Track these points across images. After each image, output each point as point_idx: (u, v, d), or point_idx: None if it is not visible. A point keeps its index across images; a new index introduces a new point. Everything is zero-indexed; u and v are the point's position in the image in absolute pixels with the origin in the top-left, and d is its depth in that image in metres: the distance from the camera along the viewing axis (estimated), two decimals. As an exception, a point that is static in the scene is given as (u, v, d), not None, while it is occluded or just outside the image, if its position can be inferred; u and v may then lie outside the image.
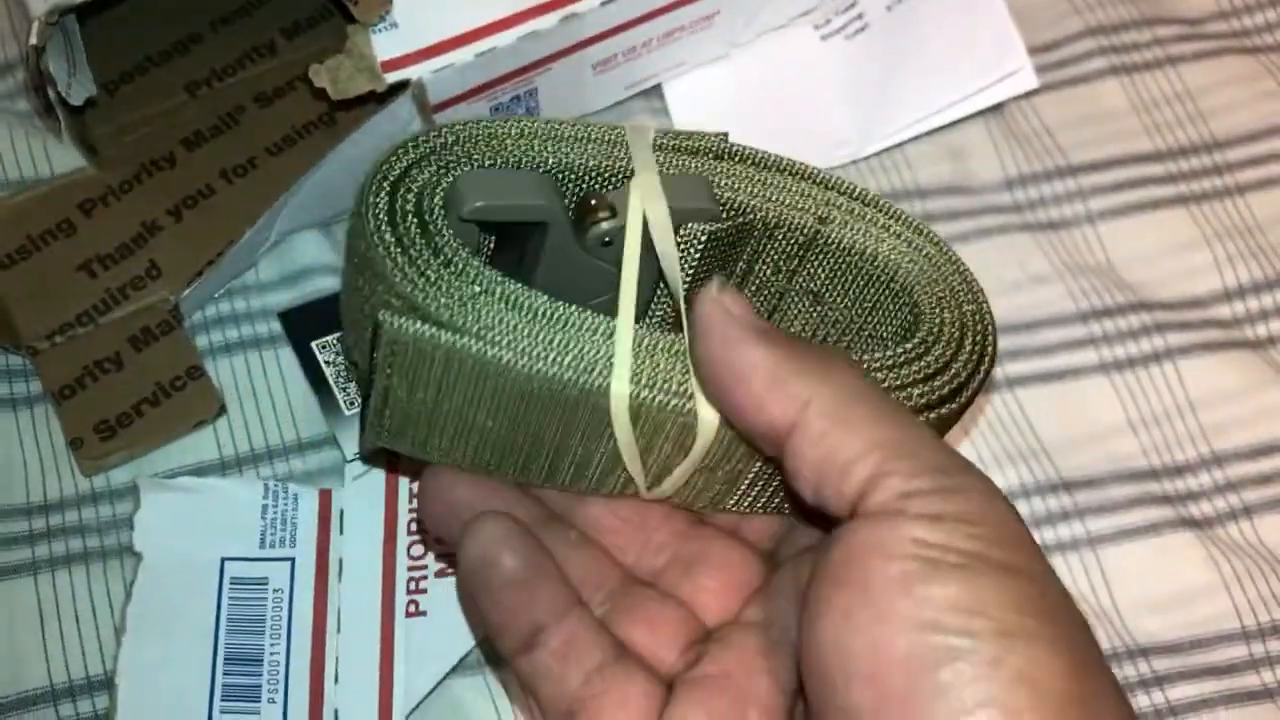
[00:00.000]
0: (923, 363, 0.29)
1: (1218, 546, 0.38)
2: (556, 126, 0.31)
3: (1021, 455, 0.39)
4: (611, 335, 0.28)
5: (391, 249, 0.27)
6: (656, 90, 0.44)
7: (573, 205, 0.30)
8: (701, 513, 0.31)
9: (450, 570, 0.37)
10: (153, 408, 0.38)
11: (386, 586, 0.36)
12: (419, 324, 0.27)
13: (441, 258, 0.28)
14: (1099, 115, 0.45)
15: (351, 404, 0.39)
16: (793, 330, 0.33)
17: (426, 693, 0.35)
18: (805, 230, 0.31)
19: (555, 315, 0.27)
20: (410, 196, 0.28)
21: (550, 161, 0.30)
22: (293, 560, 0.37)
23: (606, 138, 0.31)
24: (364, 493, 0.38)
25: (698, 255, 0.30)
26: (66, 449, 0.38)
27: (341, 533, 0.37)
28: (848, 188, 0.31)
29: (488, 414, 0.28)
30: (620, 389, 0.27)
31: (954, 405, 0.29)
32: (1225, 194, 0.44)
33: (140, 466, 0.38)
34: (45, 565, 0.37)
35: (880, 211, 0.31)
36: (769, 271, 0.32)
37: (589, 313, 0.28)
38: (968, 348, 0.30)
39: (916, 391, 0.29)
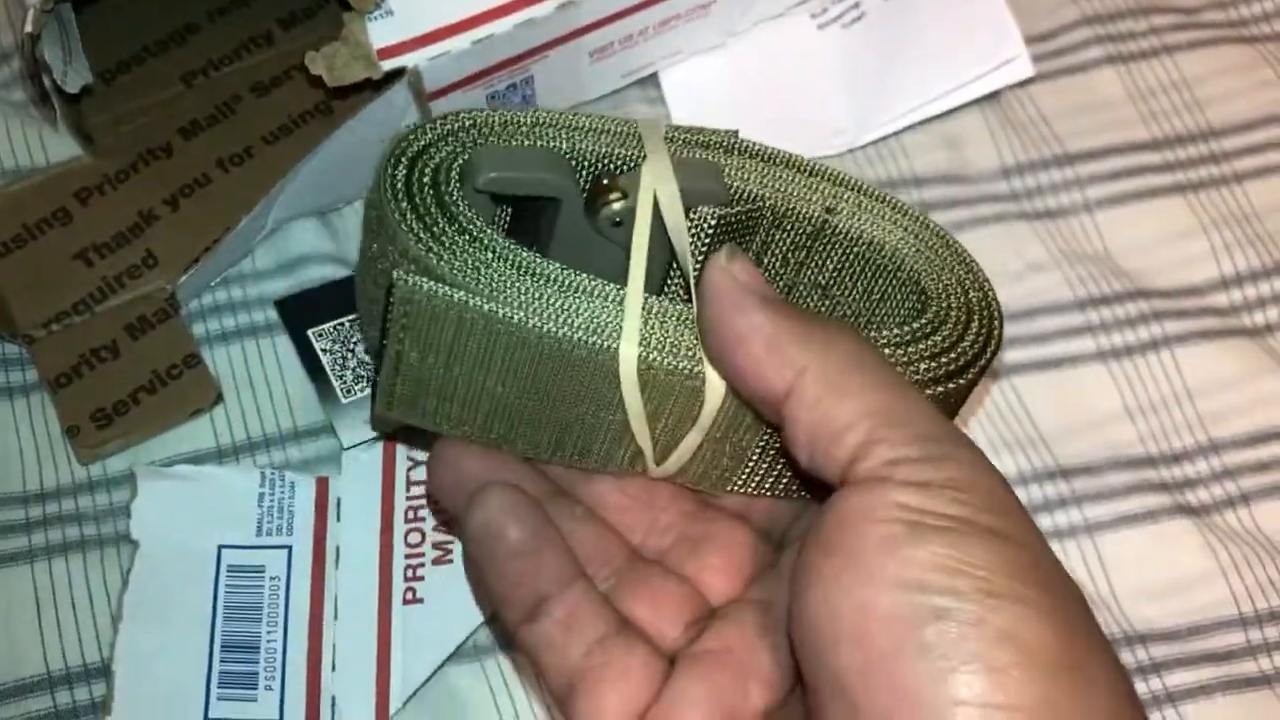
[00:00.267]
0: (931, 340, 0.29)
1: (1215, 534, 0.38)
2: (571, 117, 0.31)
3: (1019, 443, 0.39)
4: (622, 301, 0.28)
5: (408, 216, 0.28)
6: (653, 79, 0.44)
7: (585, 187, 0.31)
8: (709, 495, 0.31)
9: (447, 558, 0.37)
10: (149, 396, 0.38)
11: (384, 574, 0.36)
12: (432, 282, 0.27)
13: (456, 225, 0.28)
14: (1096, 104, 0.45)
15: (348, 392, 0.39)
16: None
17: (424, 680, 0.35)
18: (813, 220, 0.31)
19: (566, 280, 0.28)
20: (428, 170, 0.29)
21: (564, 148, 0.30)
22: (290, 548, 0.37)
23: (619, 130, 0.31)
24: (361, 480, 0.38)
25: (707, 239, 0.31)
26: (63, 437, 0.38)
27: (338, 520, 0.37)
28: (854, 182, 0.32)
29: (498, 378, 0.28)
30: (629, 351, 0.28)
31: (961, 381, 0.29)
32: (1222, 182, 0.44)
33: (137, 455, 0.38)
34: (42, 553, 0.37)
35: (885, 204, 0.32)
36: (777, 263, 0.32)
37: (600, 280, 0.28)
38: (974, 329, 0.30)
39: (924, 366, 0.29)
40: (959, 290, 0.31)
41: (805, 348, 0.26)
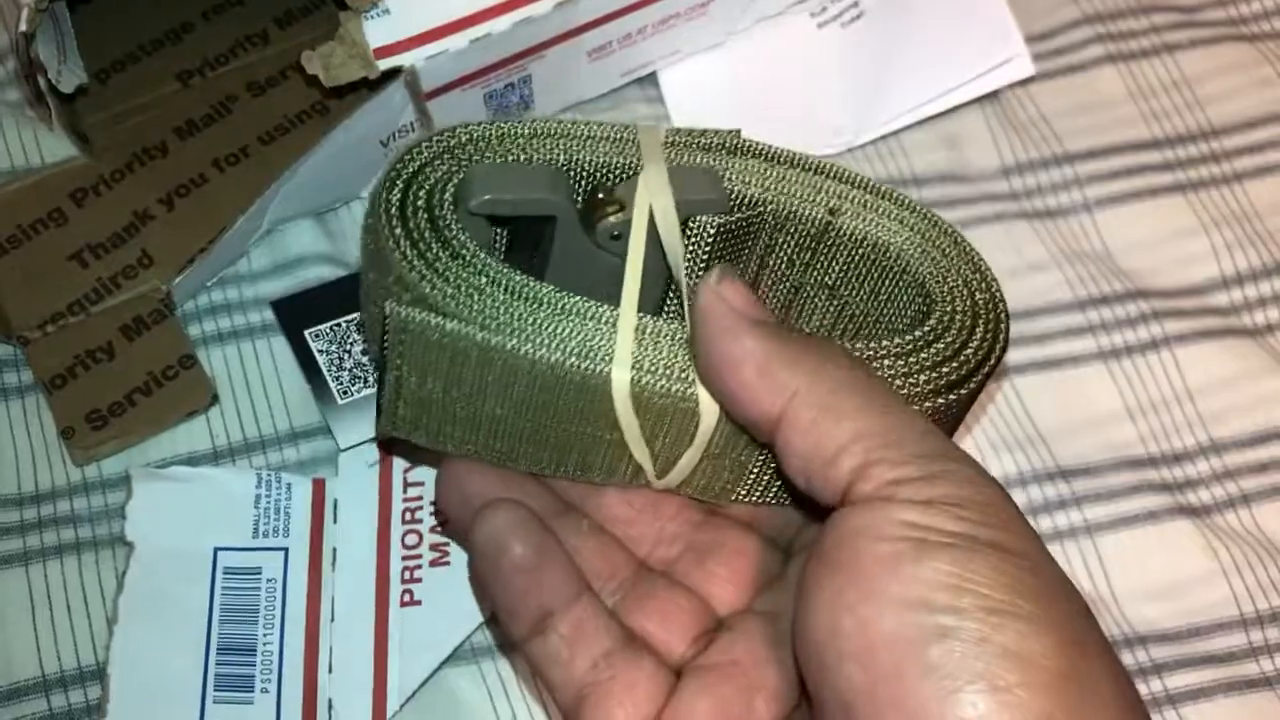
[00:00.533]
0: (933, 349, 0.29)
1: (1216, 534, 0.38)
2: (569, 125, 0.31)
3: (1019, 443, 0.39)
4: (615, 323, 0.28)
5: (401, 242, 0.28)
6: (652, 78, 0.44)
7: (582, 200, 0.31)
8: (715, 504, 0.31)
9: (444, 560, 0.36)
10: (145, 397, 0.38)
11: (381, 576, 0.36)
12: (424, 313, 0.27)
13: (450, 250, 0.28)
14: (1096, 103, 0.45)
15: (345, 393, 0.38)
16: (812, 323, 0.33)
17: (421, 682, 0.35)
18: (816, 222, 0.31)
19: (559, 303, 0.28)
20: (422, 192, 0.29)
21: (561, 159, 0.30)
22: (286, 550, 0.37)
23: (618, 136, 0.31)
24: (358, 482, 0.37)
25: (707, 248, 0.30)
26: (58, 439, 0.38)
27: (335, 522, 0.37)
28: (860, 180, 0.32)
29: (496, 402, 0.28)
30: (621, 375, 0.28)
31: (965, 390, 0.29)
32: (1223, 181, 0.43)
33: (132, 456, 0.38)
34: (37, 555, 0.37)
35: (892, 203, 0.32)
36: (783, 265, 0.32)
37: (594, 302, 0.28)
38: (979, 333, 0.30)
39: (923, 378, 0.29)
40: (965, 292, 0.31)
41: (796, 371, 0.26)
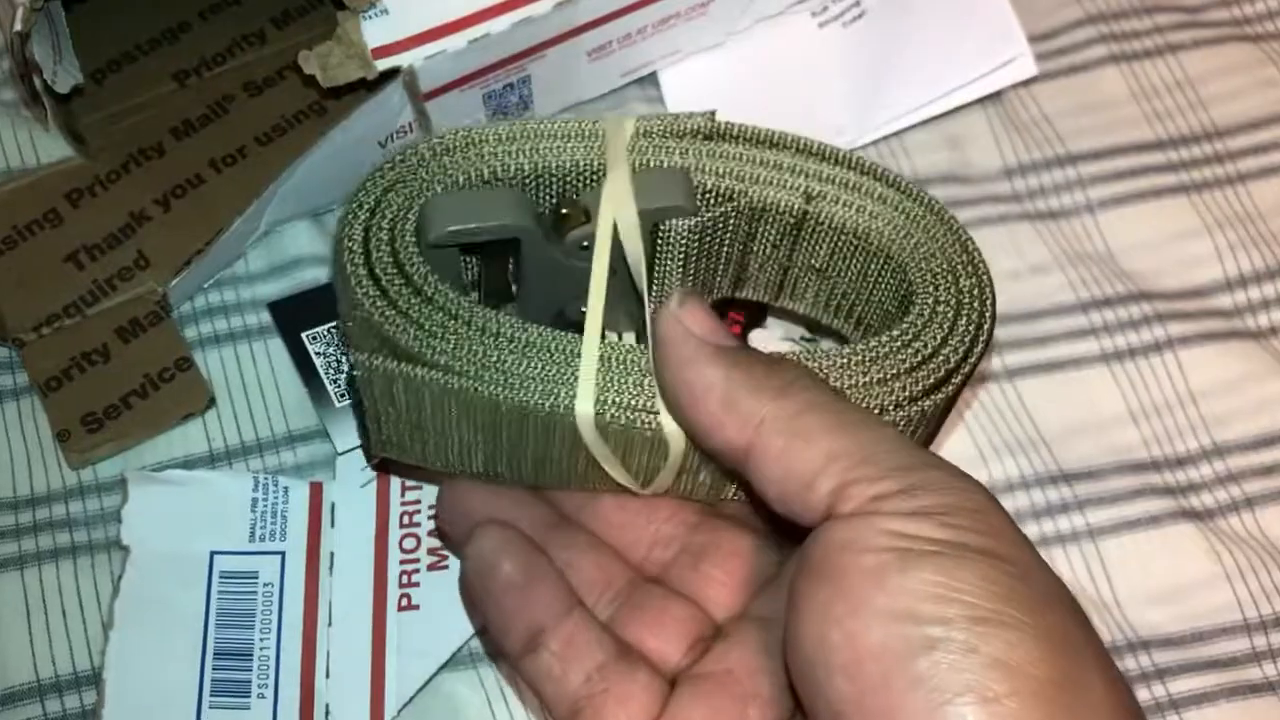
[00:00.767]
0: (910, 350, 0.29)
1: (1219, 538, 0.38)
2: (536, 126, 0.31)
3: (1021, 446, 0.39)
4: (577, 355, 0.28)
5: (365, 282, 0.28)
6: (652, 78, 0.44)
7: (549, 210, 0.30)
8: (709, 503, 0.31)
9: (442, 564, 0.36)
10: (141, 400, 0.38)
11: (378, 580, 0.36)
12: (386, 361, 0.28)
13: (413, 287, 0.28)
14: (1099, 103, 0.44)
15: (343, 396, 0.38)
16: (804, 302, 0.33)
17: (419, 687, 0.35)
18: (793, 211, 0.31)
19: (521, 339, 0.28)
20: (384, 224, 0.29)
21: (527, 166, 0.30)
22: (283, 554, 0.36)
23: (586, 132, 0.31)
24: (355, 485, 0.37)
25: (681, 249, 0.30)
26: (53, 441, 0.38)
27: (333, 526, 0.37)
28: (842, 156, 0.31)
29: (470, 432, 0.29)
30: (585, 409, 0.28)
31: (945, 391, 0.29)
32: (1226, 182, 0.43)
33: (128, 459, 0.38)
34: (32, 559, 0.36)
35: (876, 180, 0.31)
36: (768, 249, 0.32)
37: (557, 334, 0.28)
38: (961, 327, 0.29)
39: (898, 385, 0.28)
40: (949, 278, 0.30)
41: (761, 399, 0.25)
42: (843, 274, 0.32)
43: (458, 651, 0.35)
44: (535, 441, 0.29)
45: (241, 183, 0.40)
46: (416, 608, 0.35)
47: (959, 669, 0.22)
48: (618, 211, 0.29)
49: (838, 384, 0.28)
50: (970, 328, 0.29)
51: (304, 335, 0.39)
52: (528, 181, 0.30)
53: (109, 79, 0.43)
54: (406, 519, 0.37)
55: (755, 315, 0.39)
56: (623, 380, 0.28)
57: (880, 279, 0.31)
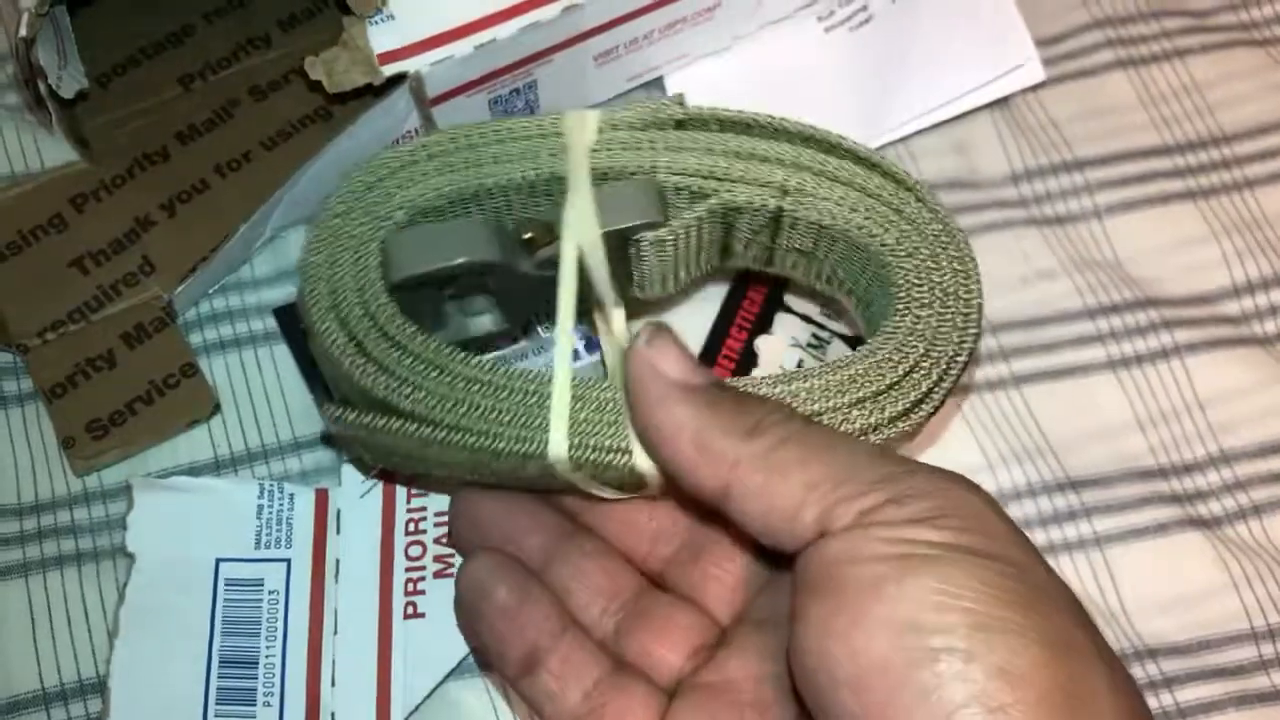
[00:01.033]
0: (890, 364, 0.28)
1: (1226, 546, 0.38)
2: (495, 128, 0.30)
3: (1028, 453, 0.39)
4: (549, 398, 0.28)
5: (334, 330, 0.29)
6: (658, 83, 0.43)
7: (514, 229, 0.30)
8: None
9: (449, 571, 0.36)
10: (146, 406, 0.38)
11: (384, 588, 0.36)
12: (354, 414, 0.28)
13: (381, 332, 0.29)
14: (1106, 109, 0.44)
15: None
16: (795, 274, 0.33)
17: (425, 696, 0.35)
18: (768, 210, 0.30)
19: (492, 384, 0.28)
20: (347, 260, 0.29)
21: (489, 185, 0.30)
22: (289, 561, 0.36)
23: (548, 130, 0.30)
24: (361, 492, 0.37)
25: (656, 253, 0.30)
26: (58, 448, 0.38)
27: (338, 533, 0.37)
28: (824, 140, 0.30)
29: (452, 464, 0.29)
30: (559, 454, 0.28)
31: (928, 406, 0.28)
32: (1234, 188, 0.43)
33: (133, 466, 0.38)
34: (36, 567, 0.36)
35: (860, 164, 0.30)
36: (748, 235, 0.31)
37: (530, 376, 0.28)
38: (945, 332, 0.29)
39: (877, 406, 0.28)
40: (931, 276, 0.29)
41: (733, 438, 0.25)
42: (828, 256, 0.31)
43: (464, 660, 0.35)
44: (516, 470, 0.29)
45: (247, 188, 0.40)
46: (422, 616, 0.35)
47: (963, 679, 0.22)
48: (581, 238, 0.29)
49: (816, 408, 0.28)
50: (954, 333, 0.29)
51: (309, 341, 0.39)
52: (490, 196, 0.30)
53: (114, 83, 0.42)
54: (412, 526, 0.37)
55: (762, 321, 0.39)
56: (595, 422, 0.28)
57: (867, 265, 0.31)
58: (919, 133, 0.43)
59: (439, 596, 0.36)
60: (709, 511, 0.31)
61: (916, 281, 0.29)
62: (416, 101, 0.38)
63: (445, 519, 0.36)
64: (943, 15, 0.43)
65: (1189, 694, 0.36)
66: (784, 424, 0.26)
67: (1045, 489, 0.38)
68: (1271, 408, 0.40)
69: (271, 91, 0.43)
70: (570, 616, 0.29)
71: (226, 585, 0.36)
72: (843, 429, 0.28)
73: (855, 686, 0.22)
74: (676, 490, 0.28)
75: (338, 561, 0.36)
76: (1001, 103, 0.44)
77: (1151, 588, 0.37)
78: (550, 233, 0.29)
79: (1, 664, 0.35)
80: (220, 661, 0.35)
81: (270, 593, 0.36)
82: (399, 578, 0.36)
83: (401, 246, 0.29)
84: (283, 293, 0.40)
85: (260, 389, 0.39)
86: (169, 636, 0.35)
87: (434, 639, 0.35)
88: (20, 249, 0.40)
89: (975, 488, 0.25)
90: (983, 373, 0.40)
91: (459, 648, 0.35)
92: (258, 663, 0.35)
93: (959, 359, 0.29)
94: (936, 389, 0.29)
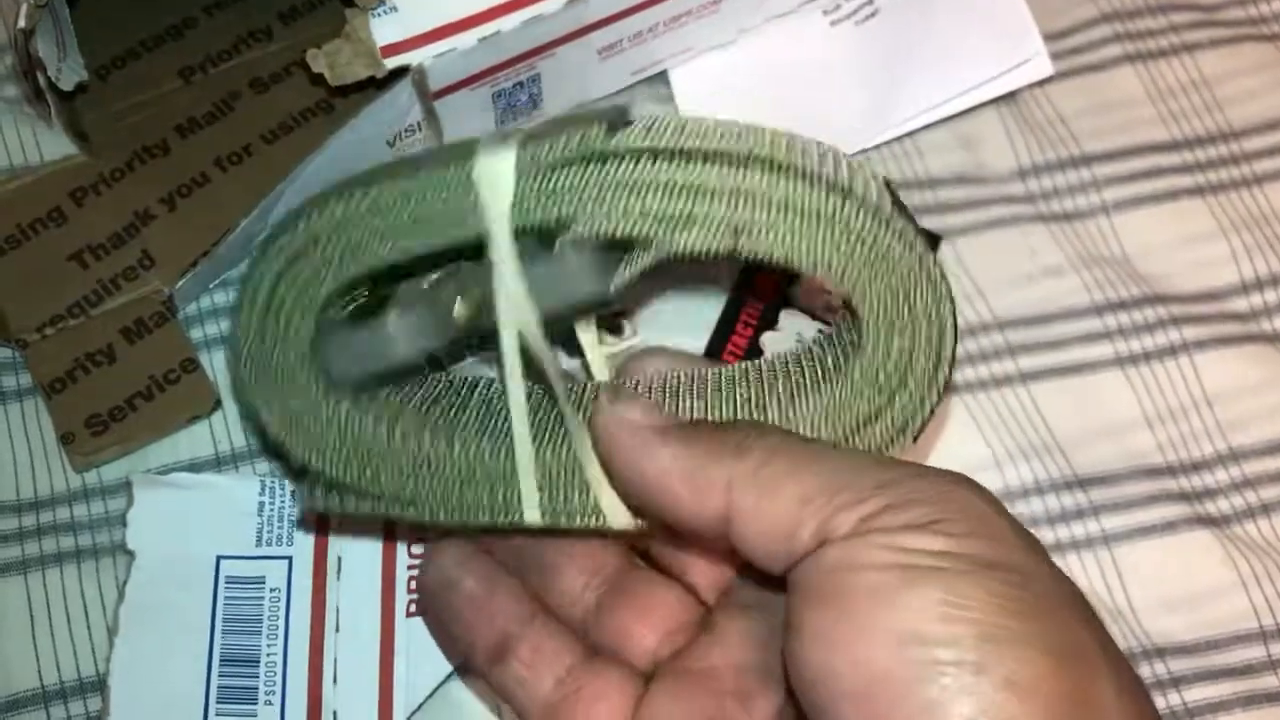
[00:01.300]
0: (864, 399, 0.28)
1: (1235, 545, 0.37)
2: (406, 186, 0.28)
3: (1035, 451, 0.39)
4: (516, 474, 0.29)
5: (289, 425, 0.30)
6: (662, 77, 0.43)
7: (453, 286, 0.29)
8: None
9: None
10: (146, 402, 0.38)
11: (386, 585, 0.36)
12: (329, 498, 0.29)
13: (335, 426, 0.29)
14: (1114, 103, 0.44)
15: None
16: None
17: (428, 694, 0.34)
18: (719, 251, 0.27)
19: (462, 463, 0.29)
20: (291, 353, 0.29)
21: (415, 249, 0.28)
22: (290, 559, 0.36)
23: (464, 182, 0.27)
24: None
25: (609, 308, 0.29)
26: (57, 444, 0.37)
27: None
28: (780, 160, 0.26)
29: (429, 524, 0.30)
30: (533, 518, 0.29)
31: (910, 432, 0.28)
32: (1243, 184, 0.43)
33: (133, 462, 0.37)
34: (35, 563, 0.36)
35: (813, 186, 0.26)
36: (710, 260, 0.29)
37: (495, 456, 0.29)
38: (919, 358, 0.27)
39: (858, 441, 0.28)
40: (900, 302, 0.27)
41: (721, 463, 0.25)
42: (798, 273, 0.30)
43: (467, 658, 0.35)
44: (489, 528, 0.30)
45: (248, 181, 0.40)
46: (425, 613, 0.35)
47: (970, 692, 0.21)
48: (518, 323, 0.28)
49: None
50: (930, 359, 0.27)
51: (311, 337, 0.39)
52: (416, 265, 0.29)
53: (113, 76, 0.42)
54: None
55: (768, 318, 0.39)
56: (567, 488, 0.28)
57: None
58: (925, 127, 0.43)
59: (442, 594, 0.35)
60: None
61: (884, 312, 0.27)
62: (419, 94, 0.37)
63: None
64: (949, 9, 0.43)
65: (1196, 693, 0.36)
66: (769, 436, 0.25)
67: (1052, 486, 0.38)
68: (1280, 405, 0.39)
69: (273, 84, 0.42)
70: (541, 604, 0.30)
71: (227, 583, 0.35)
72: None
73: (858, 700, 0.22)
74: (671, 533, 0.27)
75: (339, 559, 0.36)
76: (1009, 97, 0.43)
77: (1159, 586, 0.37)
78: (485, 310, 0.28)
79: (1, 662, 0.35)
80: (221, 659, 0.35)
81: (272, 590, 0.36)
82: (401, 575, 0.36)
83: (339, 348, 0.29)
84: (284, 287, 0.40)
85: (261, 385, 0.39)
86: (169, 634, 0.35)
87: (437, 637, 0.35)
88: (19, 243, 0.40)
89: (978, 489, 0.24)
90: (989, 369, 0.40)
91: (462, 646, 0.35)
92: (259, 661, 0.35)
93: (935, 388, 0.28)
94: (913, 422, 0.28)
